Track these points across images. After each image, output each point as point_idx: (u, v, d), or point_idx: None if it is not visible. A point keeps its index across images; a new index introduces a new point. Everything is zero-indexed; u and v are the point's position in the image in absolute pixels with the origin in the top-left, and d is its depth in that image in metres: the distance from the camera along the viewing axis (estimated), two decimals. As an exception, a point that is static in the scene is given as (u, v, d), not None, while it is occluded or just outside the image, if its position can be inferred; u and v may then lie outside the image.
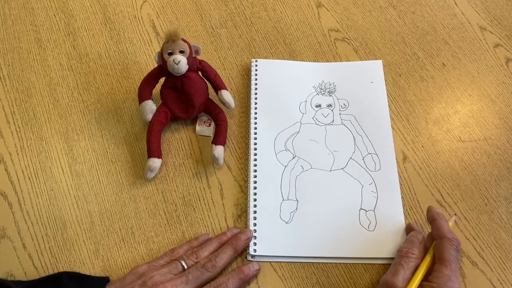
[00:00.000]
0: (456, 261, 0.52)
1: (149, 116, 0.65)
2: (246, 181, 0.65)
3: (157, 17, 0.79)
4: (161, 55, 0.64)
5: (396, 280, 0.51)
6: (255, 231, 0.61)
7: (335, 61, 0.75)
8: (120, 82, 0.73)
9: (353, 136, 0.68)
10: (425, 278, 0.52)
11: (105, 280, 0.56)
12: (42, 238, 0.61)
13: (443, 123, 0.71)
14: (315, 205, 0.63)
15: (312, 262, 0.60)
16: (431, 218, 0.57)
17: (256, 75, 0.73)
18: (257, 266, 0.59)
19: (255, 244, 0.60)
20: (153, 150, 0.64)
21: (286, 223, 0.62)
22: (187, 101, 0.66)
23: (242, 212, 0.63)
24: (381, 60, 0.75)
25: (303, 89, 0.72)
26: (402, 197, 0.64)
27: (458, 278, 0.51)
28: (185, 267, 0.56)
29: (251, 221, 0.62)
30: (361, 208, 0.63)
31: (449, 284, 0.50)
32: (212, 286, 0.55)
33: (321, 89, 0.72)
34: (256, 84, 0.72)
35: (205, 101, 0.68)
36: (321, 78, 0.73)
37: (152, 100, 0.66)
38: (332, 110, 0.70)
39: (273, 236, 0.61)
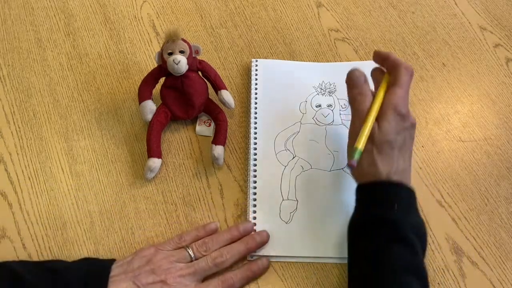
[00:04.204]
0: (409, 85, 0.55)
1: (149, 116, 0.65)
2: (246, 181, 0.65)
3: (157, 17, 0.79)
4: (161, 55, 0.64)
5: (359, 125, 0.54)
6: (254, 231, 0.61)
7: (335, 61, 0.75)
8: (120, 82, 0.73)
9: (353, 136, 0.68)
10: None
11: (112, 261, 0.56)
12: (42, 238, 0.61)
13: (443, 123, 0.71)
14: (315, 205, 0.63)
15: (312, 262, 0.60)
16: (384, 56, 0.59)
17: (256, 75, 0.73)
18: (266, 263, 0.58)
19: (255, 244, 0.60)
20: (153, 150, 0.64)
21: (286, 223, 0.62)
22: (187, 101, 0.66)
23: (242, 212, 0.63)
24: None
25: (303, 89, 0.72)
26: (402, 197, 0.64)
27: (408, 101, 0.55)
28: (193, 257, 0.56)
29: (251, 221, 0.61)
30: (361, 208, 0.62)
31: (401, 102, 0.54)
32: (220, 281, 0.55)
33: (322, 89, 0.72)
34: (256, 84, 0.72)
35: (205, 101, 0.67)
36: (321, 78, 0.73)
37: (152, 100, 0.66)
38: (332, 110, 0.70)
39: (273, 236, 0.60)
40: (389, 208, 0.52)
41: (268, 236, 0.60)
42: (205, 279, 0.56)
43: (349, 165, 0.52)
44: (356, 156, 0.52)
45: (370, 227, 0.53)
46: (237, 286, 0.56)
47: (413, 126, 0.55)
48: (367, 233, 0.53)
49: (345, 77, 0.73)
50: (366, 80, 0.58)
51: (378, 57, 0.60)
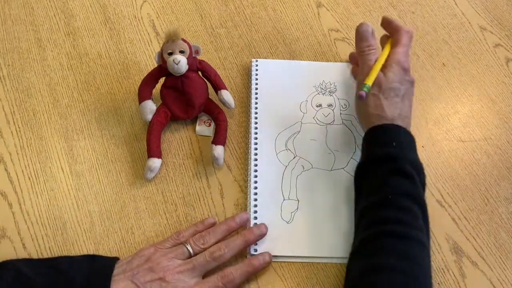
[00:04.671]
0: (409, 45, 0.62)
1: (149, 116, 0.65)
2: (246, 181, 0.65)
3: (157, 17, 0.79)
4: (161, 55, 0.64)
5: (367, 74, 0.60)
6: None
7: (335, 61, 0.75)
8: (120, 82, 0.73)
9: (354, 136, 0.68)
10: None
11: (115, 260, 0.56)
12: (42, 238, 0.61)
13: (443, 123, 0.71)
14: (316, 204, 0.63)
15: (312, 262, 0.60)
16: (388, 21, 0.64)
17: (256, 75, 0.73)
18: (268, 258, 0.58)
19: (255, 243, 0.60)
20: (153, 150, 0.64)
21: (287, 222, 0.62)
22: (187, 101, 0.66)
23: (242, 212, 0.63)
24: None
25: (304, 89, 0.72)
26: (402, 197, 0.64)
27: (409, 59, 0.61)
28: (191, 252, 0.56)
29: (252, 221, 0.61)
30: (361, 208, 0.63)
31: (402, 58, 0.60)
32: (219, 276, 0.55)
33: (322, 88, 0.72)
34: (256, 84, 0.72)
35: (205, 101, 0.67)
36: (321, 78, 0.73)
37: (152, 100, 0.66)
38: (332, 110, 0.70)
39: (273, 236, 0.60)
40: (388, 146, 0.57)
41: (266, 228, 0.60)
42: (206, 275, 0.56)
43: (359, 96, 0.58)
44: (365, 88, 0.58)
45: (371, 164, 0.57)
46: (237, 281, 0.55)
47: (412, 82, 0.61)
48: (368, 170, 0.57)
49: (345, 76, 0.73)
50: (373, 34, 0.63)
51: (385, 22, 0.65)
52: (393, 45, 0.62)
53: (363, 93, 0.57)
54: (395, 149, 0.56)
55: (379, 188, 0.55)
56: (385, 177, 0.55)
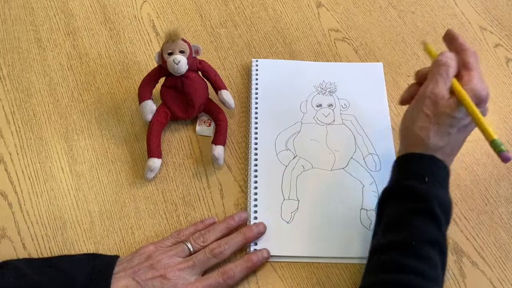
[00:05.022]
0: (478, 68, 0.53)
1: (149, 116, 0.65)
2: (246, 181, 0.65)
3: (157, 17, 0.79)
4: (161, 55, 0.64)
5: (440, 91, 0.52)
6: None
7: (335, 61, 0.75)
8: (120, 82, 0.73)
9: (354, 136, 0.68)
10: None
11: (116, 258, 0.56)
12: (42, 238, 0.61)
13: (443, 123, 0.70)
14: (316, 204, 0.63)
15: (312, 262, 0.60)
16: (452, 36, 0.55)
17: (256, 75, 0.73)
18: (266, 254, 0.58)
19: (255, 244, 0.60)
20: (153, 150, 0.64)
21: (287, 222, 0.62)
22: (187, 101, 0.66)
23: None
24: (381, 63, 0.75)
25: (304, 89, 0.72)
26: (402, 197, 0.64)
27: (485, 85, 0.52)
28: (191, 250, 0.57)
29: (252, 221, 0.61)
30: (362, 208, 0.63)
31: (479, 84, 0.51)
32: (219, 273, 0.55)
33: (322, 88, 0.72)
34: (256, 84, 0.72)
35: (205, 101, 0.67)
36: (322, 78, 0.73)
37: (152, 100, 0.66)
38: (333, 110, 0.70)
39: (273, 236, 0.60)
40: (419, 180, 0.51)
41: (265, 227, 0.60)
42: (206, 272, 0.56)
43: (505, 159, 0.49)
44: (502, 147, 0.48)
45: (399, 196, 0.52)
46: (237, 277, 0.56)
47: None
48: (395, 201, 0.53)
49: (345, 76, 0.73)
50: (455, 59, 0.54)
51: (449, 37, 0.56)
52: (462, 68, 0.53)
53: (508, 155, 0.48)
54: (426, 186, 0.51)
55: (403, 226, 0.51)
56: (410, 216, 0.51)
